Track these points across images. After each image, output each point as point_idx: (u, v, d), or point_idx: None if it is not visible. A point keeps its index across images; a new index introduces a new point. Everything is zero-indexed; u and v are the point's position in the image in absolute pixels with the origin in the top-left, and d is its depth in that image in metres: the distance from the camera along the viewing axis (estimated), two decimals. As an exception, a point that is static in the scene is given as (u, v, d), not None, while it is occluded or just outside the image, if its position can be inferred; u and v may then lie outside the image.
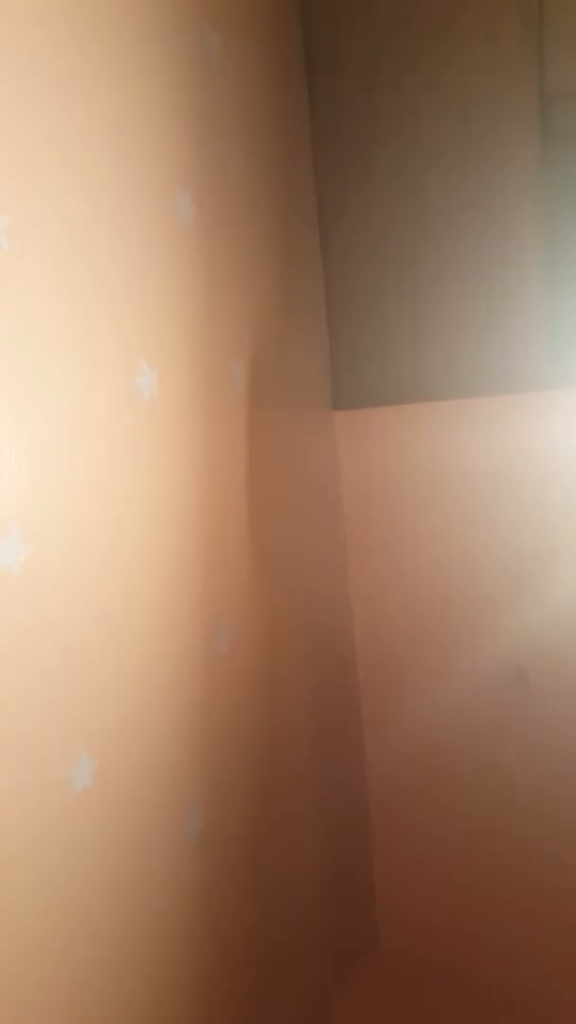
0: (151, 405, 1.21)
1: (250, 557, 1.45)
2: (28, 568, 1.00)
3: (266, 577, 1.49)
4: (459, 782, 1.77)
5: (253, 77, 1.46)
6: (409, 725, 1.80)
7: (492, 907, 1.77)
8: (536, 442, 1.61)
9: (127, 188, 1.16)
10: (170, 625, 1.24)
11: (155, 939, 1.21)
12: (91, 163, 1.10)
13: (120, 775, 1.14)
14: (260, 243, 1.48)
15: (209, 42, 1.34)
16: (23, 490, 1.00)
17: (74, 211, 1.07)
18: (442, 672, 1.75)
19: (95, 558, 1.10)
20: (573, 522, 1.59)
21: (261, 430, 1.48)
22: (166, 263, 1.24)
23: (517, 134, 1.47)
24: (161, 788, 1.22)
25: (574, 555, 1.59)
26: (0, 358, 0.97)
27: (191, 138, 1.30)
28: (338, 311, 1.68)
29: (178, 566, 1.26)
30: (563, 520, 1.60)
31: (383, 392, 1.66)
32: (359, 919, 1.83)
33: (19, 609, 0.99)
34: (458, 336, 1.58)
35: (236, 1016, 1.39)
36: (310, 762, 1.63)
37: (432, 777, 1.79)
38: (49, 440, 1.03)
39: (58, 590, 1.04)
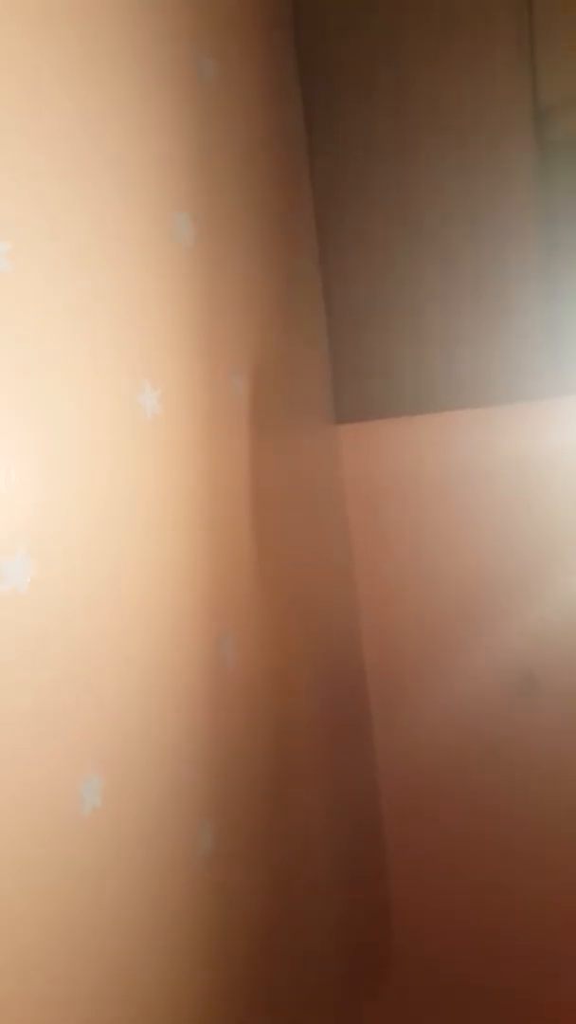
0: (154, 422, 1.22)
1: (255, 570, 1.45)
2: (34, 586, 1.00)
3: (272, 589, 1.50)
4: (472, 788, 1.76)
5: (249, 99, 1.48)
6: (420, 732, 1.80)
7: (511, 915, 1.76)
8: (538, 450, 1.61)
9: (127, 210, 1.18)
10: (176, 639, 1.25)
11: (166, 957, 1.20)
12: (91, 187, 1.12)
13: (129, 793, 1.14)
14: (260, 260, 1.50)
15: (205, 66, 1.36)
16: (29, 509, 1.01)
17: (75, 234, 1.09)
18: (452, 679, 1.75)
19: (100, 575, 1.11)
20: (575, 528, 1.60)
21: (264, 444, 1.49)
22: (167, 282, 1.26)
23: (513, 146, 1.48)
24: (170, 804, 1.22)
25: (579, 563, 1.59)
26: (4, 378, 0.98)
27: (189, 160, 1.31)
28: (339, 325, 1.69)
29: (183, 581, 1.27)
30: (566, 526, 1.60)
31: (385, 404, 1.67)
32: (375, 930, 1.82)
33: (27, 628, 0.99)
34: (459, 348, 1.58)
35: (251, 1033, 1.38)
36: (320, 773, 1.63)
37: (445, 785, 1.79)
38: (54, 459, 1.04)
39: (64, 608, 1.05)
